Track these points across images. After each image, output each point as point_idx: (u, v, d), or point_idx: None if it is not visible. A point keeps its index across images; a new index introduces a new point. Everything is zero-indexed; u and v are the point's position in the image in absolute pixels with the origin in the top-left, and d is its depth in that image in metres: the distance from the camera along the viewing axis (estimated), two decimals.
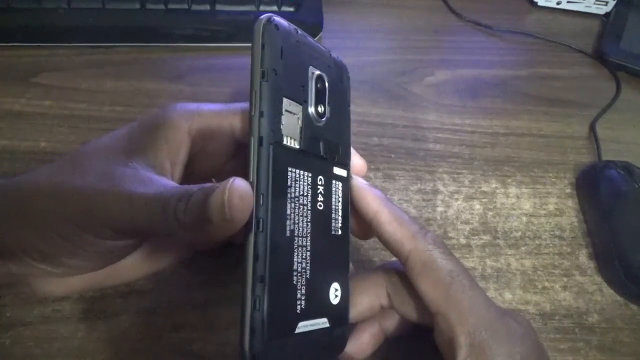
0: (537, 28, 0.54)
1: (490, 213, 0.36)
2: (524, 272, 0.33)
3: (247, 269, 0.19)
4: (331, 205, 0.23)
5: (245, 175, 0.19)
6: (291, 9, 0.45)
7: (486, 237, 0.35)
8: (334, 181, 0.23)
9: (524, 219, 0.36)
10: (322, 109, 0.22)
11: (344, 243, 0.24)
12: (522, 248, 0.35)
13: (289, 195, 0.20)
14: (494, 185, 0.38)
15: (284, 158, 0.20)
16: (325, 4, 0.48)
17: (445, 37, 0.51)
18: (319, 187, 0.22)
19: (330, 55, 0.24)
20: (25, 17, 0.42)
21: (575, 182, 0.39)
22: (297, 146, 0.21)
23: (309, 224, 0.21)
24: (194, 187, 0.19)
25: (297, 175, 0.21)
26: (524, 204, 0.37)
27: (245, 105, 0.23)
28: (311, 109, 0.22)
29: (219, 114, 0.24)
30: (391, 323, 0.26)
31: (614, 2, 0.56)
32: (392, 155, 0.39)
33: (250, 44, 0.20)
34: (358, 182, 0.25)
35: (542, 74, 0.49)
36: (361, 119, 0.41)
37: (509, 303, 0.32)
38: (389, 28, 0.51)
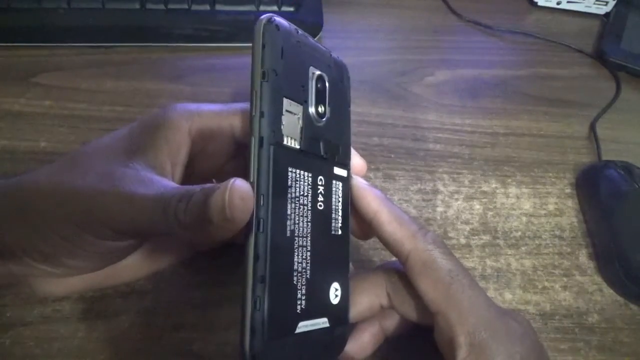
0: (537, 28, 0.54)
1: (490, 213, 0.36)
2: (524, 272, 0.33)
3: (247, 269, 0.19)
4: (331, 205, 0.23)
5: (245, 176, 0.19)
6: (291, 9, 0.45)
7: (486, 237, 0.35)
8: (334, 181, 0.23)
9: (524, 219, 0.36)
10: (323, 109, 0.22)
11: (344, 243, 0.24)
12: (522, 248, 0.35)
13: (289, 196, 0.20)
14: (494, 185, 0.38)
15: (284, 158, 0.20)
16: (325, 4, 0.48)
17: (445, 37, 0.51)
18: (319, 187, 0.22)
19: (331, 55, 0.24)
20: (25, 17, 0.42)
21: (575, 182, 0.39)
22: (297, 146, 0.21)
23: (309, 224, 0.21)
24: (194, 188, 0.19)
25: (298, 176, 0.21)
26: (524, 204, 0.37)
27: (245, 105, 0.23)
28: (311, 109, 0.22)
29: (219, 114, 0.24)
30: (391, 323, 0.26)
31: (614, 2, 0.56)
32: (392, 155, 0.39)
33: (250, 44, 0.20)
34: (358, 181, 0.25)
35: (542, 74, 0.49)
36: (361, 119, 0.41)
37: (509, 303, 0.32)
38: (389, 28, 0.51)
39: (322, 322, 0.21)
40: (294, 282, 0.20)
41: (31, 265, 0.21)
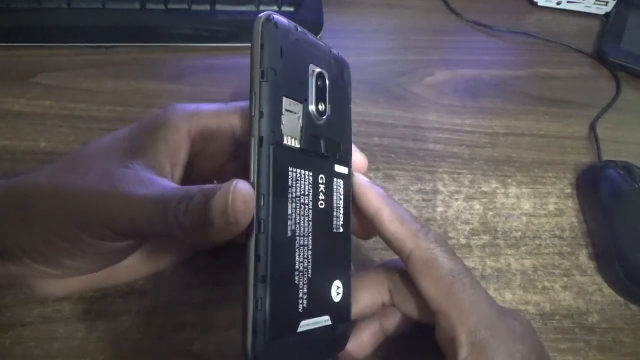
0: (537, 28, 0.54)
1: (490, 213, 0.36)
2: (524, 272, 0.33)
3: (248, 270, 0.19)
4: (332, 203, 0.23)
5: (245, 176, 0.19)
6: (291, 9, 0.46)
7: (486, 237, 0.35)
8: (335, 179, 0.23)
9: (524, 219, 0.36)
10: (323, 106, 0.22)
11: (345, 240, 0.24)
12: (522, 248, 0.35)
13: (289, 195, 0.20)
14: (494, 185, 0.38)
15: (284, 158, 0.20)
16: (325, 3, 0.48)
17: (445, 37, 0.51)
18: (320, 185, 0.22)
19: (331, 51, 0.24)
20: (25, 17, 0.42)
21: (575, 182, 0.39)
22: (297, 145, 0.21)
23: (310, 223, 0.21)
24: (194, 189, 0.19)
25: (298, 175, 0.21)
26: (524, 204, 0.37)
27: (244, 104, 0.23)
28: (312, 107, 0.22)
29: (218, 114, 0.24)
30: (392, 322, 0.26)
31: (614, 2, 0.56)
32: (392, 155, 0.39)
33: (249, 44, 0.20)
34: (359, 179, 0.25)
35: (542, 74, 0.49)
36: (361, 119, 0.41)
37: (509, 303, 0.32)
38: (389, 28, 0.51)
39: (324, 320, 0.21)
40: (296, 282, 0.20)
41: (30, 266, 0.21)
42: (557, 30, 0.54)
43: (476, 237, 0.35)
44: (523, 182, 0.38)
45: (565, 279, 0.33)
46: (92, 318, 0.28)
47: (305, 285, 0.20)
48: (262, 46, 0.19)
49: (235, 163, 0.26)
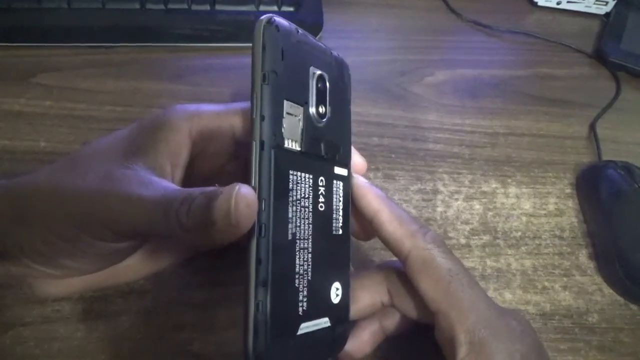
0: (537, 28, 0.54)
1: (490, 213, 0.36)
2: (524, 272, 0.33)
3: (249, 273, 0.19)
4: (332, 205, 0.23)
5: (246, 178, 0.19)
6: (291, 9, 0.45)
7: (486, 237, 0.35)
8: (334, 181, 0.23)
9: (524, 219, 0.36)
10: (323, 109, 0.22)
11: (344, 242, 0.24)
12: (522, 248, 0.35)
13: (290, 199, 0.20)
14: (494, 185, 0.38)
15: (285, 161, 0.20)
16: (325, 4, 0.48)
17: (445, 37, 0.51)
18: (320, 188, 0.22)
19: (331, 53, 0.24)
20: (25, 17, 0.42)
21: (575, 182, 0.39)
22: (298, 148, 0.21)
23: (311, 225, 0.21)
24: (196, 191, 0.19)
25: (299, 178, 0.21)
26: (524, 204, 0.37)
27: (245, 105, 0.23)
28: (312, 110, 0.22)
29: (219, 114, 0.24)
30: (391, 321, 0.26)
31: (614, 2, 0.56)
32: (392, 155, 0.39)
33: (250, 44, 0.20)
34: (359, 180, 0.25)
35: (542, 74, 0.49)
36: (361, 119, 0.41)
37: (509, 303, 0.32)
38: (389, 28, 0.51)
39: (324, 322, 0.22)
40: (296, 285, 0.20)
41: (30, 266, 0.21)
42: (557, 30, 0.54)
43: (476, 237, 0.35)
44: (523, 182, 0.38)
45: (565, 279, 0.33)
46: (92, 318, 0.28)
47: (305, 288, 0.20)
48: (263, 49, 0.20)
49: (236, 163, 0.26)
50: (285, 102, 0.20)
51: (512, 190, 0.38)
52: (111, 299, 0.28)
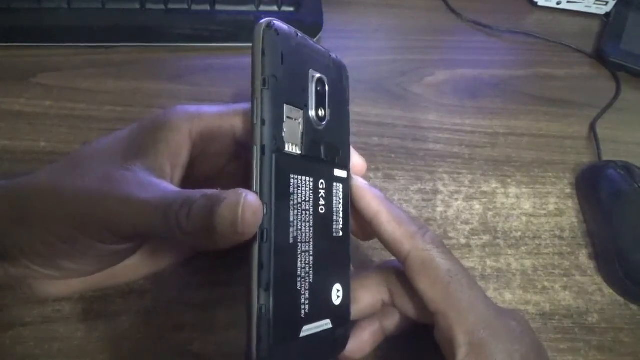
0: (537, 28, 0.54)
1: (490, 213, 0.36)
2: (524, 272, 0.33)
3: (252, 277, 0.19)
4: (332, 207, 0.23)
5: (247, 182, 0.19)
6: (291, 9, 0.45)
7: (486, 237, 0.35)
8: (334, 183, 0.23)
9: (524, 219, 0.36)
10: (323, 112, 0.23)
11: (345, 244, 0.24)
12: (522, 248, 0.35)
13: (291, 203, 0.20)
14: (494, 185, 0.38)
15: (286, 165, 0.20)
16: (325, 4, 0.48)
17: (445, 37, 0.51)
18: (320, 190, 0.22)
19: (330, 55, 0.24)
20: (25, 17, 0.42)
21: (575, 182, 0.39)
22: (298, 152, 0.21)
23: (311, 228, 0.21)
24: (196, 193, 0.19)
25: (299, 182, 0.21)
26: (524, 204, 0.37)
27: (245, 106, 0.23)
28: (312, 113, 0.22)
29: (219, 115, 0.24)
30: (391, 321, 0.26)
31: (614, 2, 0.56)
32: (392, 155, 0.39)
33: (250, 44, 0.20)
34: (358, 182, 0.25)
35: (542, 74, 0.49)
36: (361, 119, 0.41)
37: (509, 303, 0.32)
38: (389, 28, 0.51)
39: (325, 324, 0.22)
40: (298, 288, 0.20)
41: (29, 267, 0.21)
42: (557, 30, 0.54)
43: (476, 237, 0.35)
44: (523, 182, 0.38)
45: (565, 279, 0.33)
46: (92, 318, 0.28)
47: (307, 291, 0.21)
48: (263, 53, 0.20)
49: (236, 164, 0.26)
50: (285, 106, 0.20)
51: (512, 190, 0.38)
52: (111, 299, 0.28)
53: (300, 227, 0.21)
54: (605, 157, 0.40)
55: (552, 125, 0.43)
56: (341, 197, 0.23)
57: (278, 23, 0.20)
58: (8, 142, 0.35)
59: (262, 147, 0.19)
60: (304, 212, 0.21)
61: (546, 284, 0.33)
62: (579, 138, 0.43)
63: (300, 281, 0.20)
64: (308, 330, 0.20)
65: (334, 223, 0.23)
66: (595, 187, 0.36)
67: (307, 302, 0.20)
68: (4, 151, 0.35)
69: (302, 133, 0.21)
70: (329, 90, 0.23)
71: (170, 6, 0.44)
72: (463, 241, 0.34)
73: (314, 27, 0.46)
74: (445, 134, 0.41)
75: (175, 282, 0.29)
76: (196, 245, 0.25)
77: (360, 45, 0.48)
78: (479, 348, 0.21)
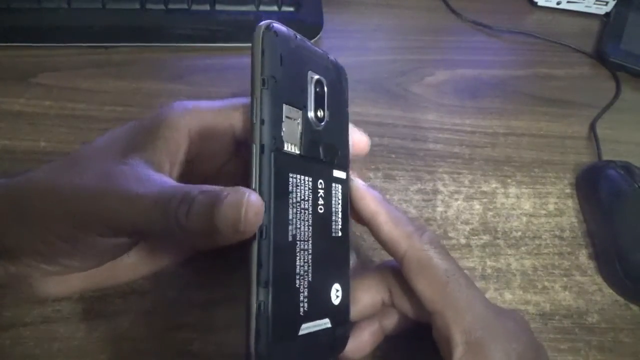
0: (537, 28, 0.54)
1: (490, 213, 0.36)
2: (524, 272, 0.33)
3: (251, 275, 0.19)
4: (331, 207, 0.23)
5: (246, 181, 0.19)
6: (291, 9, 0.45)
7: (486, 237, 0.35)
8: (333, 184, 0.23)
9: (524, 219, 0.36)
10: (322, 113, 0.23)
11: (344, 244, 0.24)
12: (522, 248, 0.35)
13: (290, 201, 0.20)
14: (494, 185, 0.38)
15: (285, 165, 0.20)
16: (325, 4, 0.48)
17: (445, 37, 0.51)
18: (319, 190, 0.22)
19: (329, 57, 0.24)
20: (25, 17, 0.42)
21: (575, 182, 0.39)
22: (297, 152, 0.21)
23: (310, 227, 0.21)
24: (194, 190, 0.18)
25: (298, 181, 0.21)
26: (524, 204, 0.37)
27: (244, 100, 0.23)
28: (310, 114, 0.22)
29: (218, 112, 0.24)
30: (391, 321, 0.26)
31: (614, 2, 0.56)
32: (392, 155, 0.39)
33: (249, 44, 0.20)
34: (357, 183, 0.25)
35: (542, 74, 0.49)
36: (361, 119, 0.41)
37: (509, 303, 0.32)
38: (389, 28, 0.51)
39: (324, 323, 0.22)
40: (297, 286, 0.20)
41: (30, 265, 0.21)
42: (557, 30, 0.54)
43: (476, 237, 0.35)
44: (523, 182, 0.38)
45: (565, 279, 0.33)
46: (92, 318, 0.28)
47: (306, 289, 0.21)
48: (262, 54, 0.20)
49: (235, 164, 0.26)
50: (284, 106, 0.21)
51: (512, 190, 0.38)
52: (111, 299, 0.28)
53: (299, 226, 0.21)
54: (605, 157, 0.40)
55: (552, 125, 0.43)
56: (340, 197, 0.24)
57: (277, 25, 0.21)
58: (8, 142, 0.35)
59: (262, 146, 0.19)
60: (302, 211, 0.21)
61: (546, 284, 0.33)
62: (579, 138, 0.43)
63: (299, 279, 0.20)
64: (307, 328, 0.21)
65: (333, 223, 0.23)
66: (595, 187, 0.36)
67: (305, 300, 0.21)
68: (4, 151, 0.35)
69: (301, 133, 0.21)
70: (327, 92, 0.23)
71: (170, 6, 0.44)
72: (463, 241, 0.34)
73: (314, 27, 0.46)
74: (445, 134, 0.41)
75: (175, 282, 0.29)
76: (195, 242, 0.25)
77: (360, 45, 0.48)
78: (476, 347, 0.21)
